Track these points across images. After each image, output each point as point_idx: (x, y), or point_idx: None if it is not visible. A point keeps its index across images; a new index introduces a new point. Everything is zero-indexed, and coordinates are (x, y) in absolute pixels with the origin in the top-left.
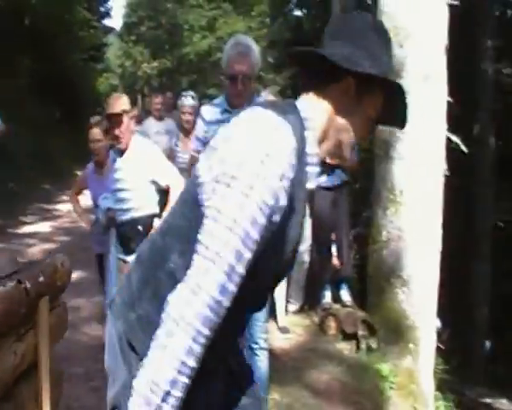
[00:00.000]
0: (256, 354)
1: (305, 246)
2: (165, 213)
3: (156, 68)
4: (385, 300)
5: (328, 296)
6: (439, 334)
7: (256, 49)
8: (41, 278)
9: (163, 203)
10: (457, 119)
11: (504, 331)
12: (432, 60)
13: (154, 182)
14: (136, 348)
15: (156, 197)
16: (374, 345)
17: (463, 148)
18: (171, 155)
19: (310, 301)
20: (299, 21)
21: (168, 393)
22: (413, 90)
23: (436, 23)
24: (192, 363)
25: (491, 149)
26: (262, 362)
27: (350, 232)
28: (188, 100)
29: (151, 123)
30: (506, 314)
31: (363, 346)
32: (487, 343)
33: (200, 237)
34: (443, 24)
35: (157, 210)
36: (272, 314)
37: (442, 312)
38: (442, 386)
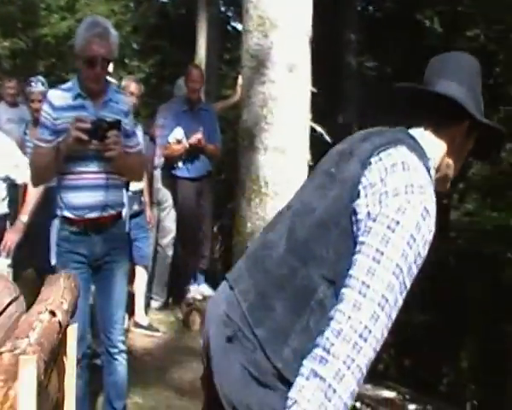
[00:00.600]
0: (115, 359)
1: (169, 239)
2: (23, 216)
3: (8, 48)
4: None
5: (193, 291)
6: None
7: (114, 31)
8: (65, 306)
9: (14, 201)
10: (322, 109)
11: None
12: (296, 50)
13: (7, 178)
14: (292, 382)
15: (7, 196)
16: None
17: (328, 138)
18: (22, 145)
19: (174, 297)
20: (163, 7)
21: None
22: (278, 81)
23: (301, 14)
24: (350, 405)
25: None
26: (122, 366)
27: (214, 224)
28: (37, 86)
29: (2, 109)
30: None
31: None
32: None
33: (355, 273)
34: (307, 15)
35: (7, 209)
36: (130, 312)
37: None
38: None
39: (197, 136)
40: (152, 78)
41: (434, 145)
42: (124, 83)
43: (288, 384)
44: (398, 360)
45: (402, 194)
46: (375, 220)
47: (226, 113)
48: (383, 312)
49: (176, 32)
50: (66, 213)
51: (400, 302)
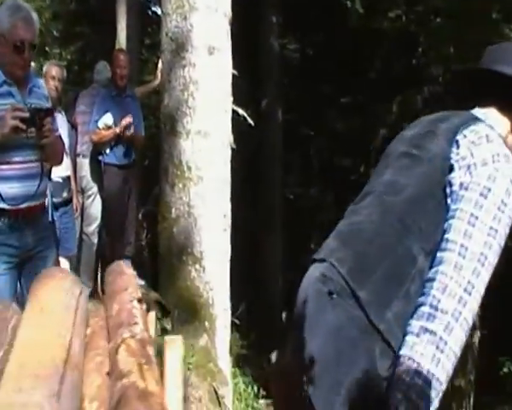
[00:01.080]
0: None
1: (94, 226)
2: None
3: None
4: (177, 279)
5: None
6: (235, 309)
7: (35, 14)
8: (139, 293)
9: None
10: (245, 92)
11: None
12: (216, 33)
13: None
14: (392, 345)
15: None
16: (168, 326)
17: (250, 121)
18: None
19: (101, 285)
20: None
21: (441, 383)
22: (198, 64)
23: None
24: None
25: (278, 122)
26: None
27: (139, 211)
28: None
29: None
30: (298, 283)
31: (157, 328)
32: (283, 314)
33: (452, 237)
34: None
35: None
36: None
37: (235, 286)
38: (240, 362)
39: (127, 119)
40: (74, 65)
41: (500, 124)
42: (45, 68)
43: (387, 345)
44: None
45: (490, 163)
46: (467, 189)
47: (148, 98)
48: (483, 268)
49: (96, 17)
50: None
51: (496, 262)
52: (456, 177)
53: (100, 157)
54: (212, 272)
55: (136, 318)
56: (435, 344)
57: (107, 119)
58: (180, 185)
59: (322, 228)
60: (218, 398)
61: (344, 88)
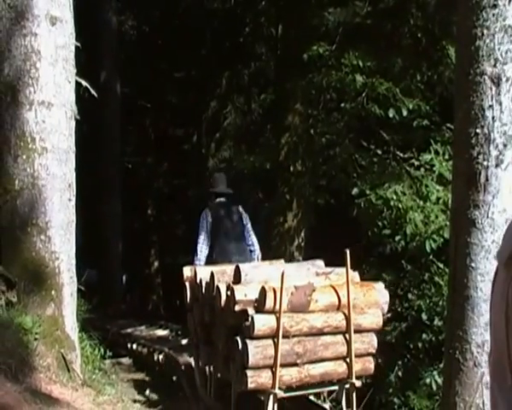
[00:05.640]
0: None
1: None
2: None
3: None
4: (22, 250)
5: None
6: (80, 276)
7: None
8: None
9: None
10: (85, 65)
11: (136, 263)
12: (58, 3)
13: None
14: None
15: None
16: (14, 299)
17: (94, 93)
18: None
19: None
20: None
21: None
22: (40, 34)
23: None
24: None
25: (116, 95)
26: None
27: None
28: None
29: None
30: (136, 247)
31: (1, 302)
32: (124, 277)
33: (249, 226)
34: None
35: None
36: None
37: (78, 253)
38: (86, 326)
39: None
40: None
41: None
42: None
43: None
44: (166, 299)
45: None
46: (246, 218)
47: None
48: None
49: None
50: None
51: None
52: (244, 218)
53: None
54: (58, 242)
55: None
56: (259, 250)
57: None
58: (24, 157)
59: (158, 194)
60: (66, 364)
61: (178, 63)
